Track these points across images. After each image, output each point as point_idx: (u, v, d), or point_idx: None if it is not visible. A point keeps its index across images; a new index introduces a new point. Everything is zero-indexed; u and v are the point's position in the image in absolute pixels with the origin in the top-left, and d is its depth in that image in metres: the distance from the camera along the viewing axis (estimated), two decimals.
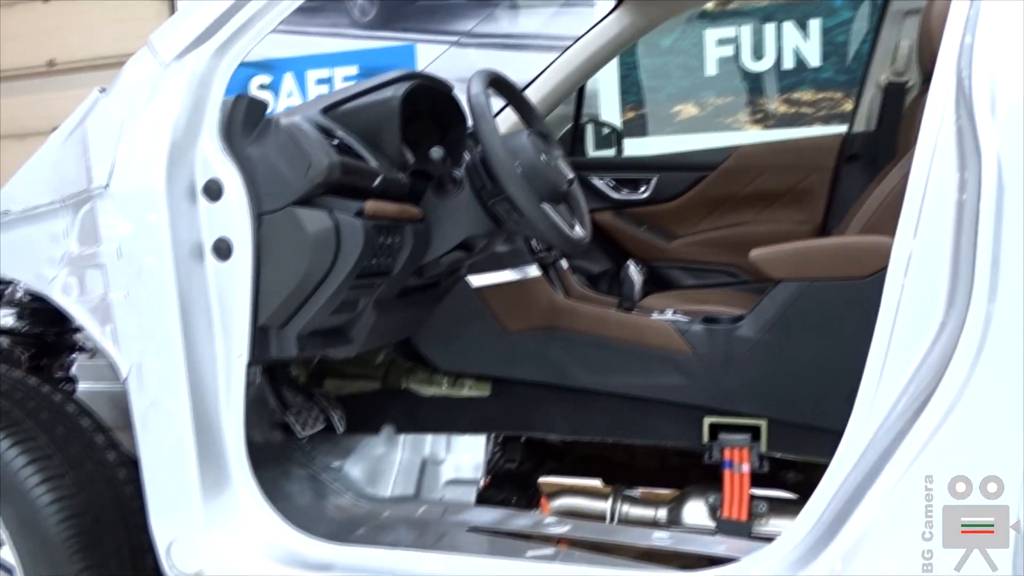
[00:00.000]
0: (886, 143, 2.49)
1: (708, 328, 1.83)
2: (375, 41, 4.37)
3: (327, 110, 1.60)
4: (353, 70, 4.52)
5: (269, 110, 1.51)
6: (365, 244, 1.45)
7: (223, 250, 1.44)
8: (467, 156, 1.69)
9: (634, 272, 2.17)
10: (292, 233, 1.42)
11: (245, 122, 1.45)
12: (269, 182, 1.43)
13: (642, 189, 2.81)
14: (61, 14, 5.01)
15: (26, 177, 1.64)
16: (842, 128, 2.75)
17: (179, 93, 1.46)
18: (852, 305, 1.55)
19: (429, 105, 1.76)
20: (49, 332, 1.94)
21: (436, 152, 1.58)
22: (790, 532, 1.34)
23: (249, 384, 1.92)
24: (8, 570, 1.56)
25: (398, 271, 1.62)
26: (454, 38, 4.06)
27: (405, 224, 1.60)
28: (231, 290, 1.45)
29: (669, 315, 1.95)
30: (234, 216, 1.43)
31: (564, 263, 2.35)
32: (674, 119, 3.95)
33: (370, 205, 1.49)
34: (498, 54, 3.86)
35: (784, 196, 2.70)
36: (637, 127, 3.99)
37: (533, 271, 2.01)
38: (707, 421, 1.80)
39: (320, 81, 4.62)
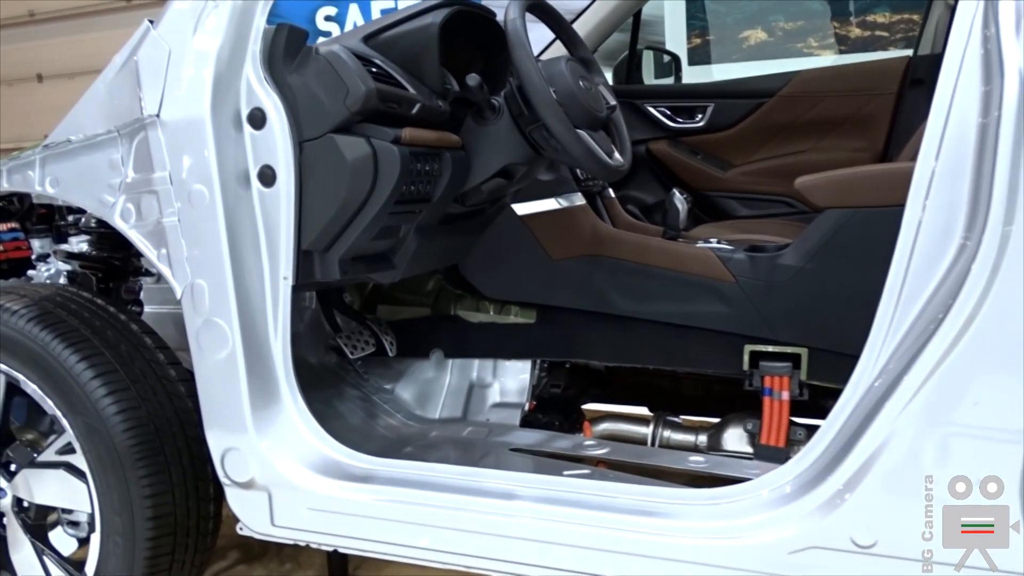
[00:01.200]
0: None
1: (751, 256, 1.82)
2: None
3: (368, 39, 1.61)
4: (390, 3, 4.52)
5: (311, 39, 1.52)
6: (402, 170, 1.46)
7: (268, 177, 1.46)
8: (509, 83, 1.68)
9: (679, 200, 2.16)
10: (331, 160, 1.43)
11: (286, 51, 1.46)
12: (309, 110, 1.44)
13: (698, 117, 2.80)
14: None
15: (86, 106, 1.70)
16: (910, 52, 2.66)
17: (222, 24, 1.48)
18: (895, 232, 1.50)
19: (473, 33, 1.75)
20: (115, 256, 2.03)
21: (472, 79, 1.58)
22: (802, 454, 1.35)
23: (304, 308, 2.09)
24: (81, 474, 1.68)
25: (438, 198, 1.63)
26: None
27: (444, 151, 1.60)
28: (276, 215, 1.48)
29: (713, 244, 1.94)
30: (277, 144, 1.45)
31: (611, 192, 2.37)
32: (742, 45, 3.86)
33: (407, 132, 1.50)
34: None
35: (844, 123, 2.68)
36: (703, 54, 3.89)
37: (578, 199, 2.01)
38: (748, 349, 1.80)
39: (385, 10, 4.59)
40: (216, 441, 1.61)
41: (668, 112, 2.82)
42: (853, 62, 3.15)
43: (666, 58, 3.33)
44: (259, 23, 1.49)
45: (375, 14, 4.62)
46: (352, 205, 1.48)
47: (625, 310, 1.91)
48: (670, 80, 3.21)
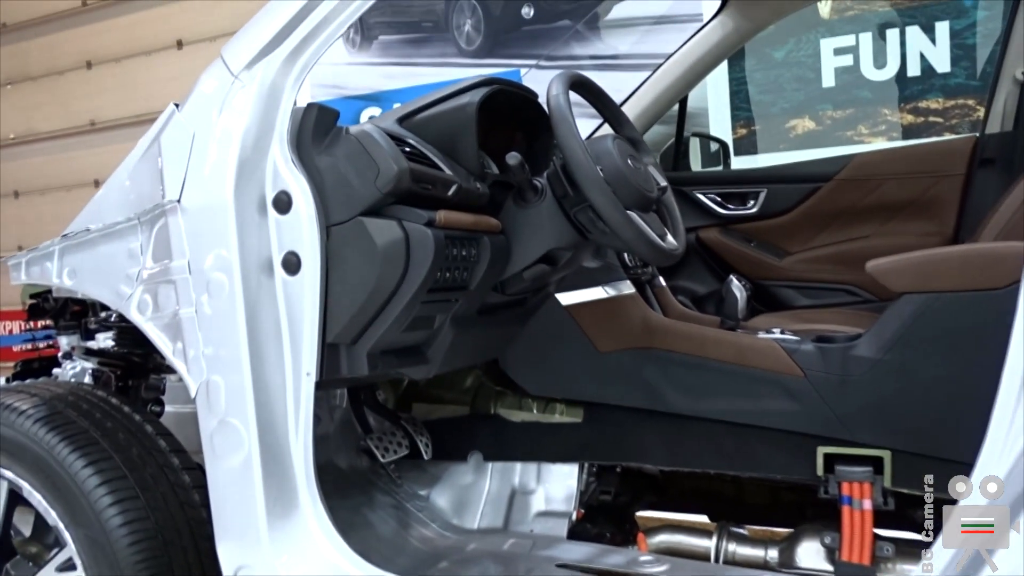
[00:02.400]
0: None
1: (821, 348, 1.69)
2: (480, 69, 4.32)
3: (403, 120, 1.58)
4: None
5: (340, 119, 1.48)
6: (436, 255, 1.40)
7: (292, 264, 1.41)
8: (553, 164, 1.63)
9: (737, 287, 2.12)
10: (360, 244, 1.38)
11: (315, 131, 1.42)
12: (338, 192, 1.39)
13: (750, 204, 2.66)
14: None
15: (106, 194, 1.64)
16: (974, 135, 2.55)
17: (249, 103, 1.44)
18: (986, 319, 1.42)
19: (513, 114, 1.71)
20: (135, 353, 1.94)
21: (513, 158, 1.52)
22: None
23: (334, 407, 1.98)
24: None
25: (476, 285, 1.56)
26: (565, 62, 4.00)
27: (482, 235, 1.54)
28: (300, 305, 1.41)
29: (776, 334, 1.82)
30: (303, 229, 1.39)
31: (662, 280, 2.27)
32: (788, 134, 3.79)
33: (443, 215, 1.44)
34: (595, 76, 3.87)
35: (909, 207, 2.51)
36: (748, 144, 3.84)
37: (627, 288, 1.92)
38: (822, 451, 1.65)
39: None
40: (228, 557, 1.47)
41: (718, 199, 2.70)
42: (915, 143, 3.09)
43: (714, 146, 3.22)
44: (288, 103, 1.45)
45: None
46: (382, 293, 1.41)
47: (681, 408, 1.79)
48: (718, 168, 3.11)
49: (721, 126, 3.92)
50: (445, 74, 4.35)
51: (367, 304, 1.41)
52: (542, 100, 1.65)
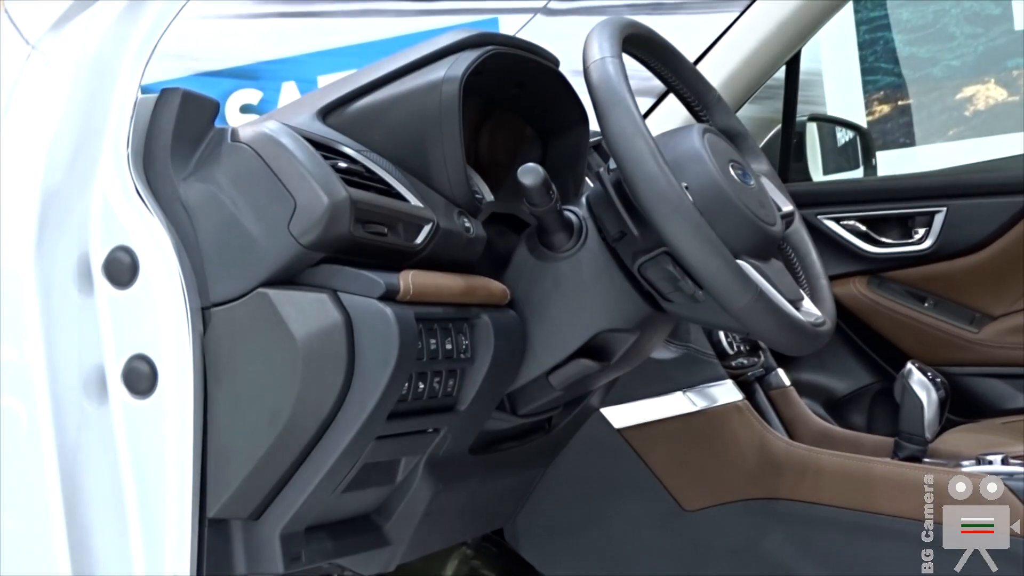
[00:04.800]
0: None
1: None
2: (432, 18, 3.68)
3: (328, 111, 1.31)
4: None
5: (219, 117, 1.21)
6: (402, 353, 1.13)
7: (141, 377, 1.16)
8: (591, 182, 1.47)
9: (920, 384, 1.70)
10: (265, 338, 1.13)
11: (179, 138, 1.15)
12: (223, 246, 1.14)
13: (919, 234, 2.12)
14: None
15: None
16: None
17: (58, 93, 1.17)
18: None
19: (515, 96, 1.45)
20: None
21: (529, 175, 1.25)
22: None
23: None
24: None
25: (469, 404, 1.31)
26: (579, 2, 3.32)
27: (479, 312, 1.29)
28: (157, 451, 1.15)
29: (999, 466, 1.57)
30: (159, 314, 1.14)
31: (783, 376, 1.89)
32: (963, 112, 3.22)
33: (410, 278, 1.16)
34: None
35: None
36: (896, 130, 3.31)
37: (728, 393, 1.66)
38: None
39: None
40: None
41: (862, 227, 2.14)
42: None
43: (844, 135, 2.69)
44: (128, 91, 1.16)
45: None
46: (306, 425, 1.14)
47: None
48: (858, 173, 2.59)
49: (847, 102, 3.53)
50: (371, 31, 3.68)
51: (280, 446, 1.16)
52: (568, 69, 1.46)
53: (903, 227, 2.13)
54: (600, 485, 1.63)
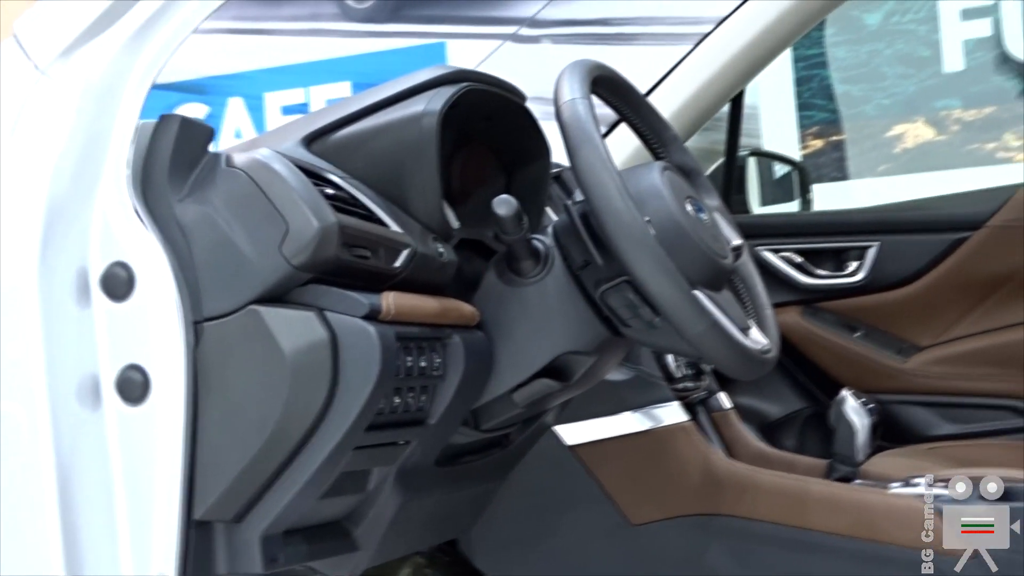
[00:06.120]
0: None
1: (1014, 510, 1.51)
2: (378, 40, 3.73)
3: (312, 140, 1.35)
4: (344, 88, 3.90)
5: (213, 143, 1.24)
6: (384, 368, 1.17)
7: (134, 386, 1.18)
8: (553, 214, 1.53)
9: (853, 410, 1.76)
10: (255, 352, 1.16)
11: (177, 161, 1.19)
12: (217, 265, 1.18)
13: (851, 267, 2.17)
14: None
15: None
16: None
17: (64, 117, 1.21)
18: None
19: (484, 129, 1.50)
20: None
21: (503, 205, 1.30)
22: None
23: None
24: None
25: (440, 418, 1.34)
26: (510, 29, 3.35)
27: (450, 333, 1.33)
28: (146, 457, 1.18)
29: (924, 488, 1.59)
30: (153, 326, 1.18)
31: (724, 400, 1.94)
32: (892, 148, 3.27)
33: (392, 299, 1.21)
34: (586, 51, 3.34)
35: None
36: (828, 165, 3.34)
37: (674, 414, 1.69)
38: None
39: (289, 109, 3.98)
40: None
41: (799, 259, 2.19)
42: None
43: (780, 168, 2.72)
44: (129, 114, 1.20)
45: (271, 113, 3.98)
46: (291, 435, 1.17)
47: None
48: (793, 206, 2.61)
49: (780, 135, 3.50)
50: (318, 50, 3.68)
51: (265, 454, 1.19)
52: (536, 106, 1.51)
53: (837, 260, 2.18)
54: (552, 499, 1.64)
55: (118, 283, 1.18)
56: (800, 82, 3.40)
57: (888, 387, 2.08)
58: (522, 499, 1.64)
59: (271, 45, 3.69)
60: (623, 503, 1.63)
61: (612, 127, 1.94)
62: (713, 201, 1.51)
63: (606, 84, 1.42)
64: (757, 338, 1.40)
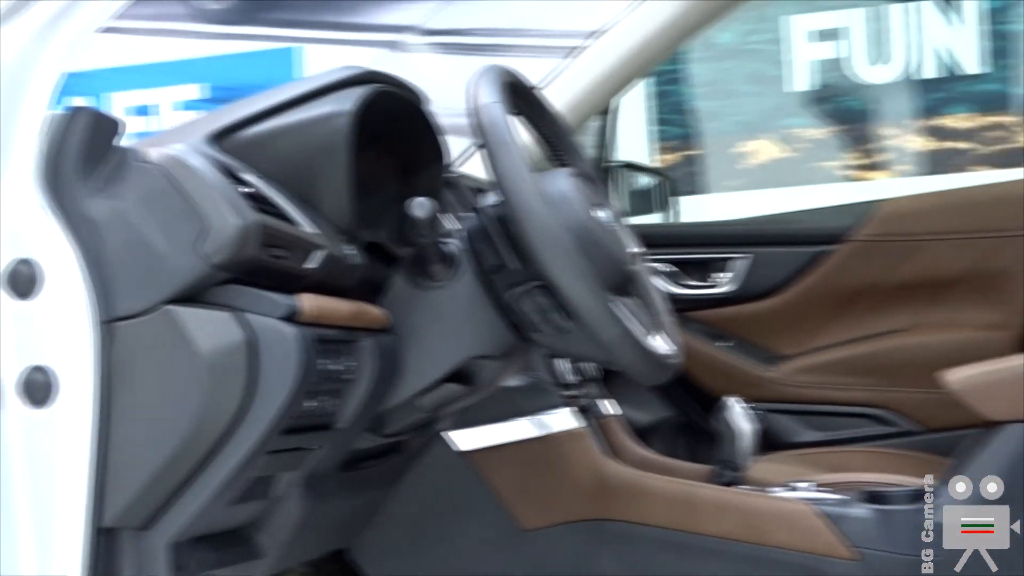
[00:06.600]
0: None
1: (880, 512, 1.54)
2: (231, 43, 3.66)
3: (219, 137, 1.31)
4: (193, 91, 3.80)
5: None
6: (302, 371, 1.17)
7: (39, 387, 1.19)
8: (463, 217, 1.49)
9: (738, 417, 1.80)
10: (169, 353, 1.16)
11: (87, 156, 1.17)
12: (129, 262, 1.17)
13: (720, 278, 2.24)
14: None
15: None
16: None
17: None
18: None
19: (386, 131, 1.48)
20: None
21: (421, 208, 1.31)
22: None
23: None
24: None
25: (348, 420, 1.34)
26: (381, 36, 3.26)
27: (362, 336, 1.32)
28: (52, 460, 1.18)
29: (803, 492, 1.65)
30: (60, 326, 1.17)
31: (609, 406, 1.96)
32: (739, 164, 3.35)
33: (308, 301, 1.21)
34: (459, 61, 3.25)
35: (962, 283, 2.15)
36: (682, 179, 3.39)
37: (565, 420, 1.71)
38: None
39: (135, 111, 3.88)
40: None
41: (667, 269, 2.26)
42: (966, 186, 2.62)
43: (644, 180, 2.75)
44: (38, 98, 1.22)
45: (115, 114, 4.16)
46: (205, 439, 1.17)
47: None
48: (656, 217, 2.68)
49: (635, 148, 3.54)
50: (165, 51, 3.61)
51: (177, 459, 1.18)
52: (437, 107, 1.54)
53: (704, 270, 2.23)
54: (443, 505, 1.64)
55: (22, 280, 1.18)
56: (656, 100, 3.47)
57: (756, 395, 2.08)
58: (413, 505, 1.64)
59: (118, 44, 3.53)
60: (515, 509, 1.63)
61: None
62: (613, 207, 1.53)
63: (515, 89, 1.43)
64: (663, 343, 1.43)
